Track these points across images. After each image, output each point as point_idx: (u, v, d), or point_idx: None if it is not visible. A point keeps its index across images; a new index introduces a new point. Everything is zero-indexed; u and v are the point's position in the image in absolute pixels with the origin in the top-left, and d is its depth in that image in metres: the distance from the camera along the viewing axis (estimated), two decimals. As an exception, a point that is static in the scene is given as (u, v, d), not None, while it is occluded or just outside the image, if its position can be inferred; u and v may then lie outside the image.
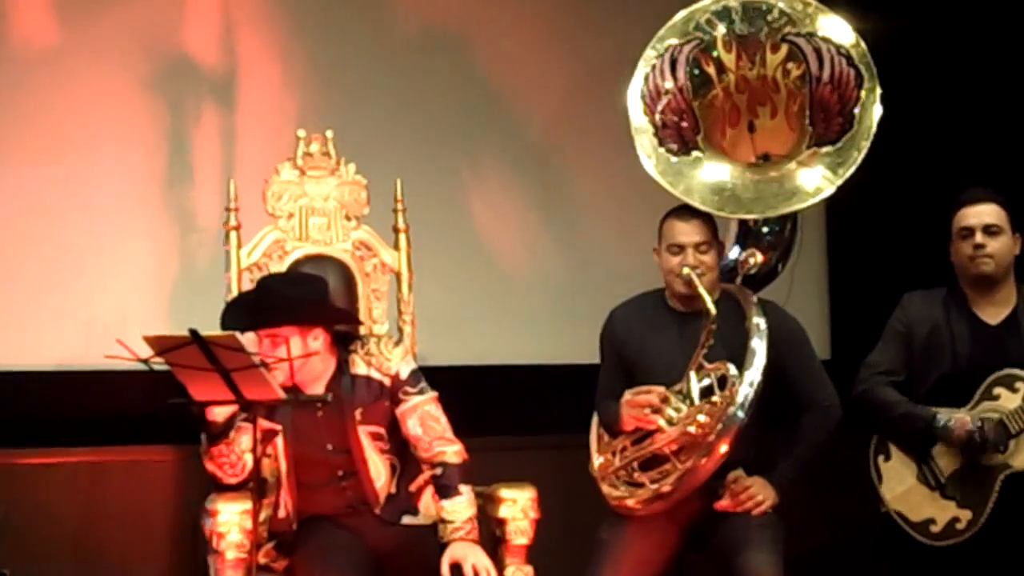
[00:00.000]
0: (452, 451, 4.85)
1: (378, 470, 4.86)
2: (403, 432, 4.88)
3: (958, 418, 4.96)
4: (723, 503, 4.87)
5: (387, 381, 4.85)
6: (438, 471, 4.84)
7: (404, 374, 4.87)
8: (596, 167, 6.51)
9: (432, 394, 4.89)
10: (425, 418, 4.86)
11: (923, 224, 6.10)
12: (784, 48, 5.15)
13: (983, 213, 5.03)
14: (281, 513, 4.88)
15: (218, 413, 4.65)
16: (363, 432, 4.83)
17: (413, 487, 4.93)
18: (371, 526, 4.85)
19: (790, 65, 5.16)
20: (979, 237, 5.01)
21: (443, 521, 4.82)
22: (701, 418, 4.74)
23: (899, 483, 5.07)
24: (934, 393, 5.03)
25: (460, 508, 4.81)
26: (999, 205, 5.05)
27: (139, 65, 6.10)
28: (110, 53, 6.08)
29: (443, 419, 4.88)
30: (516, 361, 6.31)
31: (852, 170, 5.06)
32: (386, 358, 4.86)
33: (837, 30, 5.13)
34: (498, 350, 5.93)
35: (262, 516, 4.82)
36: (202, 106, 6.18)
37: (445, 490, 4.82)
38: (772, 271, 5.29)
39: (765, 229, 5.25)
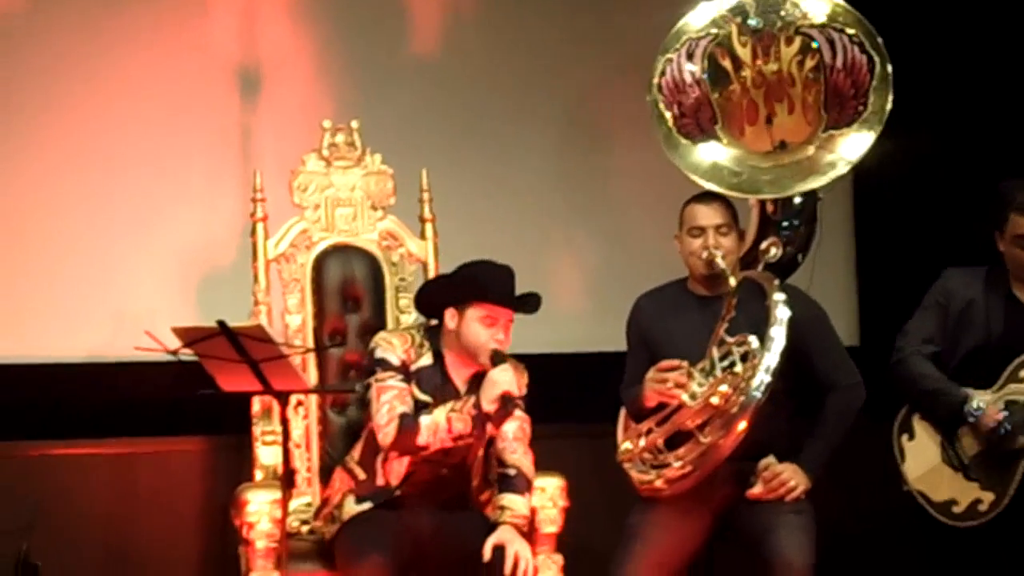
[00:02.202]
0: (529, 463, 4.95)
1: (479, 466, 4.95)
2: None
3: (988, 407, 4.95)
4: (755, 491, 4.86)
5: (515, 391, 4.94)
6: (511, 472, 4.93)
7: (524, 391, 4.97)
8: (625, 155, 6.49)
9: (528, 416, 5.01)
10: (519, 429, 4.94)
11: (951, 206, 6.09)
12: (798, 40, 5.17)
13: None
14: (379, 481, 4.89)
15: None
16: (487, 428, 4.91)
17: (483, 497, 5.00)
18: (427, 511, 4.88)
19: (804, 57, 5.18)
20: None
21: (500, 508, 4.88)
22: (723, 388, 4.73)
23: (922, 463, 5.07)
24: (963, 366, 5.03)
25: (521, 503, 4.90)
26: None
27: (165, 58, 6.12)
28: (137, 48, 6.10)
29: (529, 437, 4.98)
30: (546, 350, 6.29)
31: (866, 150, 5.07)
32: (520, 373, 4.96)
33: (844, 15, 5.14)
34: (527, 339, 5.90)
35: (292, 504, 4.84)
36: (228, 98, 6.19)
37: (512, 487, 4.91)
38: (792, 262, 5.29)
39: (784, 224, 5.25)
